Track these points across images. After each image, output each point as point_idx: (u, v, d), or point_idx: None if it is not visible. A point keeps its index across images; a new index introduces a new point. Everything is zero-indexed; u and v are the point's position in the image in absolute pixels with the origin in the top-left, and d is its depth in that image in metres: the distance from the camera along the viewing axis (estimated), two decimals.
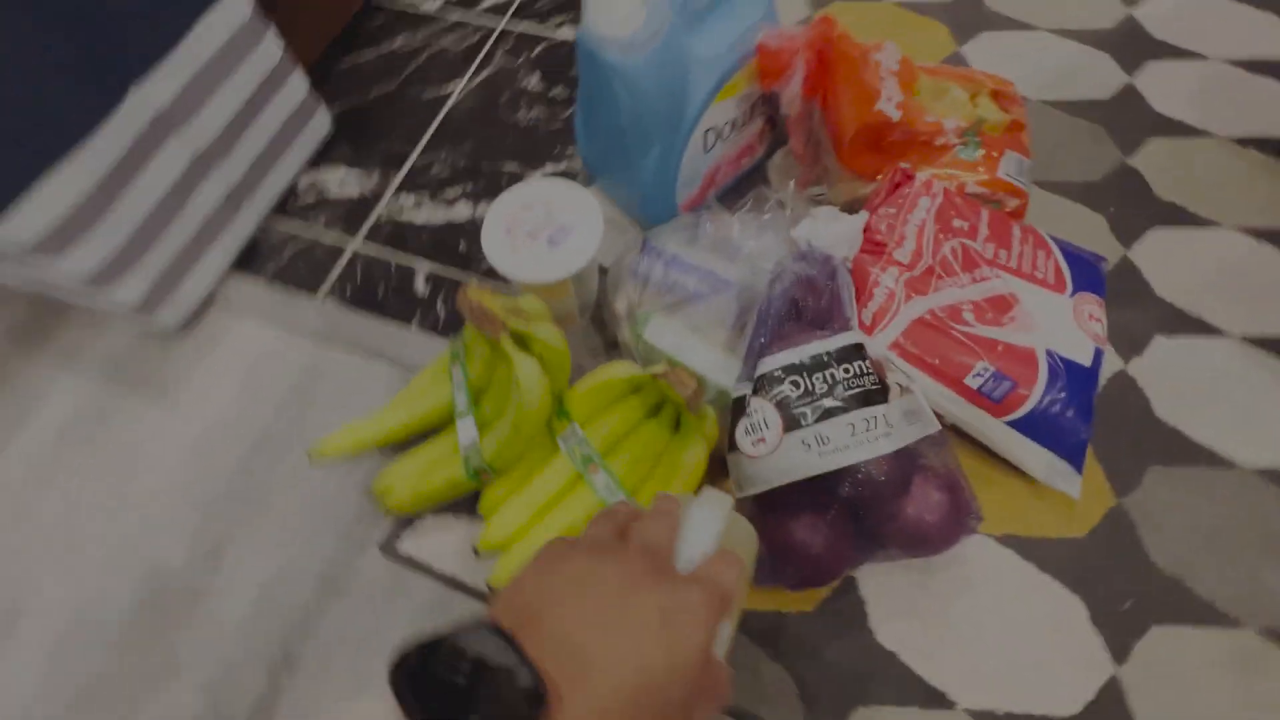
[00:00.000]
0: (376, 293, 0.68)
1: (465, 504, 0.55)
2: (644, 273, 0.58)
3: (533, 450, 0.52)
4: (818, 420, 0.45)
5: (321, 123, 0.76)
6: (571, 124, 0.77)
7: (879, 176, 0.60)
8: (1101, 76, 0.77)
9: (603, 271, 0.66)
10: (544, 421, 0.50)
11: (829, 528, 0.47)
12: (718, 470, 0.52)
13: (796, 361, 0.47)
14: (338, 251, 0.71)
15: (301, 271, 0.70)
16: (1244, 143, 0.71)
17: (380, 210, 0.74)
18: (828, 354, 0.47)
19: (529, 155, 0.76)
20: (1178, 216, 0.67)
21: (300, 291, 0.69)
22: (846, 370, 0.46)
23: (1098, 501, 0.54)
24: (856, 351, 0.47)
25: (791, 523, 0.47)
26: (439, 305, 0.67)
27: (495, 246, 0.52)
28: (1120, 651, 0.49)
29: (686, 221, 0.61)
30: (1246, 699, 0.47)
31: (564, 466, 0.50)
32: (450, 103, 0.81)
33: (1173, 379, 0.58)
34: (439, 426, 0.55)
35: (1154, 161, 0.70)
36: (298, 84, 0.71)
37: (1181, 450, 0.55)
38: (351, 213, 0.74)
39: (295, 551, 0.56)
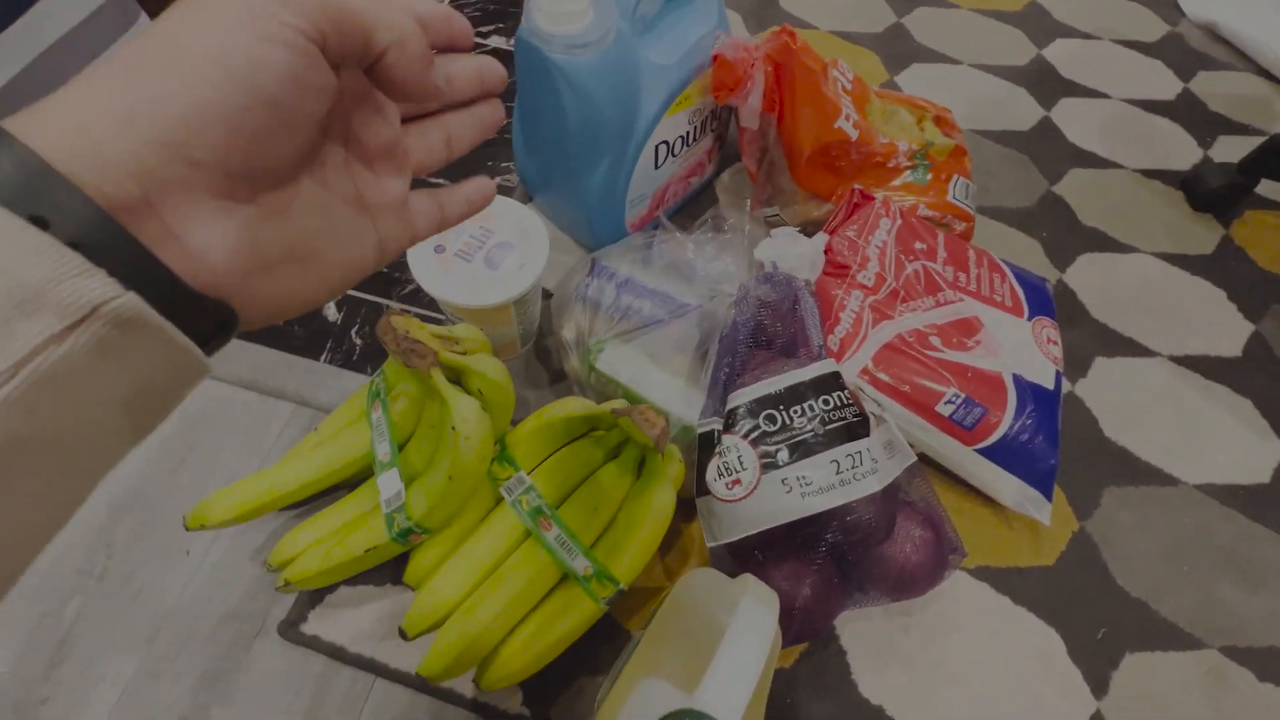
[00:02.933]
0: (278, 323, 0.58)
1: (388, 571, 0.46)
2: (594, 297, 0.52)
3: (470, 504, 0.44)
4: (798, 458, 0.41)
5: None
6: (506, 137, 0.70)
7: (834, 197, 0.58)
8: (1022, 109, 0.81)
9: (546, 296, 0.60)
10: (484, 470, 0.42)
11: (816, 576, 0.42)
12: (682, 515, 0.47)
13: (771, 393, 0.43)
14: None
15: None
16: (1148, 174, 0.76)
17: None
18: (804, 384, 0.43)
19: (459, 171, 0.68)
20: (1102, 242, 0.70)
21: None
22: (825, 402, 0.42)
23: (1062, 526, 0.53)
24: (834, 381, 0.44)
25: (774, 573, 0.42)
26: (353, 335, 0.58)
27: (424, 265, 0.45)
28: (1099, 685, 0.47)
29: (638, 242, 0.56)
30: (1217, 715, 0.46)
31: (509, 522, 0.43)
32: None
33: (1115, 398, 0.59)
34: (355, 481, 0.46)
35: (1076, 190, 0.73)
36: None
37: (1132, 469, 0.56)
38: None
39: (166, 644, 0.45)
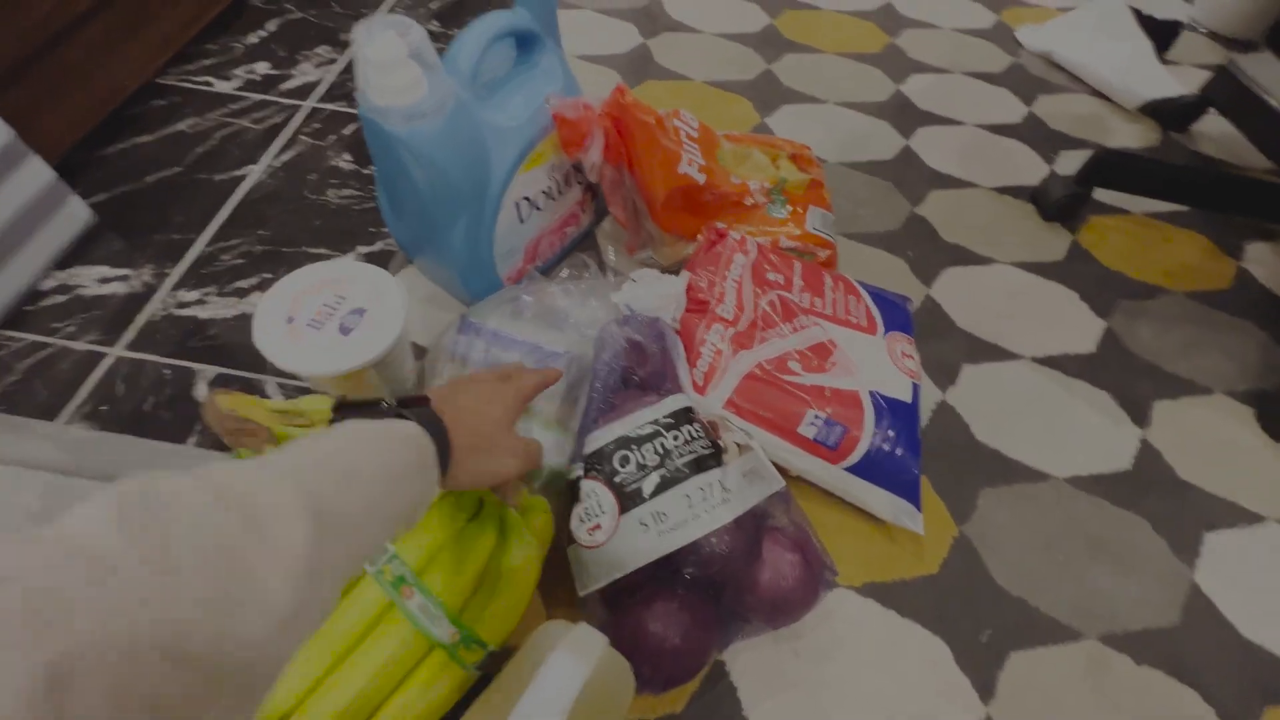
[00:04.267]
0: (143, 407, 0.57)
1: None
2: (463, 353, 0.53)
3: None
4: (653, 495, 0.41)
5: (75, 215, 0.65)
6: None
7: (698, 236, 0.60)
8: (884, 140, 0.86)
9: (422, 354, 0.60)
10: None
11: (684, 613, 0.42)
12: (560, 569, 0.46)
13: (625, 434, 0.44)
14: (92, 361, 0.59)
15: (40, 393, 0.57)
16: (1002, 191, 0.82)
17: (153, 309, 0.63)
18: (656, 421, 0.44)
19: (339, 238, 0.69)
20: (963, 256, 0.74)
21: (35, 417, 0.55)
22: (676, 437, 0.43)
23: (943, 533, 0.54)
24: (686, 415, 0.45)
25: (644, 615, 0.42)
26: (216, 432, 0.57)
27: (270, 338, 0.45)
28: (986, 689, 0.48)
29: (508, 295, 0.57)
30: (1101, 703, 0.47)
31: (369, 593, 0.42)
32: (247, 185, 0.73)
33: (984, 403, 0.62)
34: None
35: (937, 210, 0.79)
36: (36, 171, 0.60)
37: (1004, 469, 0.58)
38: (116, 315, 0.62)
39: None
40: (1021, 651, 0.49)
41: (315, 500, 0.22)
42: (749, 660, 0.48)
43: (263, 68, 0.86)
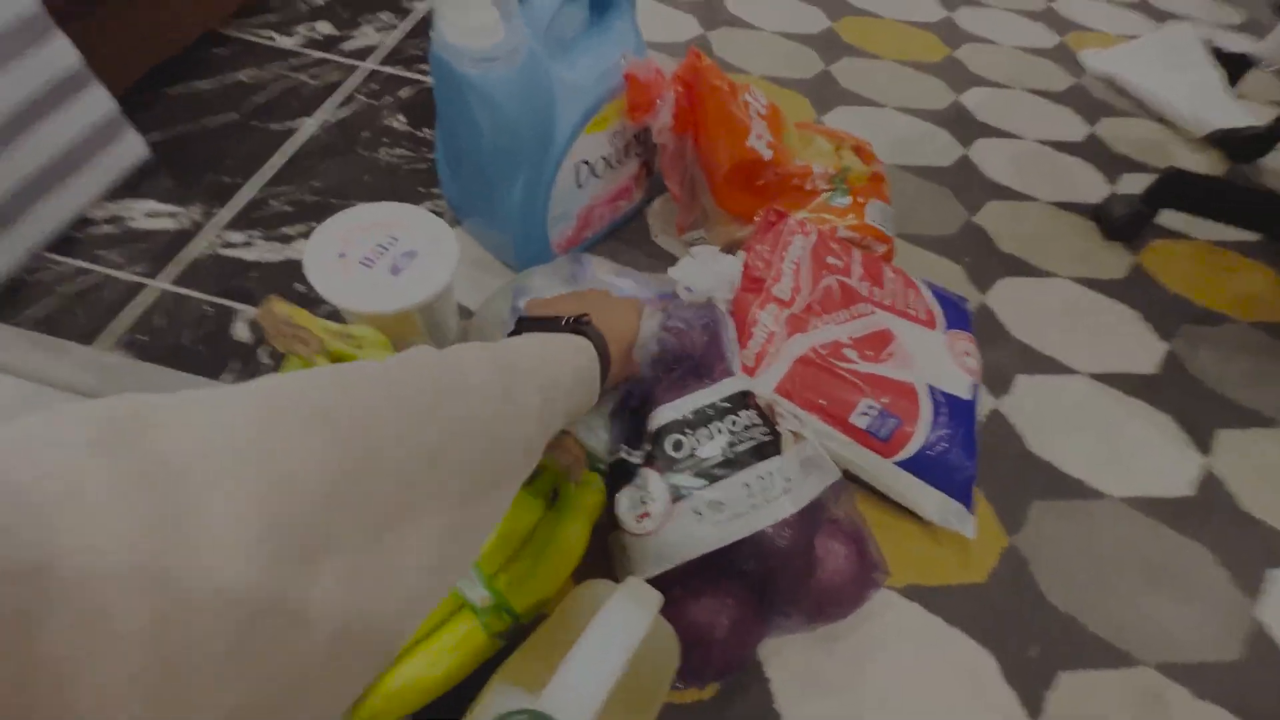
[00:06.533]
0: (181, 340, 0.56)
1: None
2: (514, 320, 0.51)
3: None
4: (709, 484, 0.39)
5: (131, 148, 0.65)
6: (434, 160, 0.71)
7: (755, 218, 0.59)
8: (942, 147, 0.85)
9: (467, 315, 0.58)
10: None
11: (735, 605, 0.40)
12: (598, 551, 0.44)
13: (679, 417, 0.42)
14: (134, 291, 0.58)
15: (80, 318, 0.56)
16: (1062, 206, 0.80)
17: (199, 247, 0.62)
18: (712, 406, 0.42)
19: (388, 195, 0.68)
20: (1020, 267, 0.72)
21: (74, 340, 0.55)
22: (734, 422, 0.41)
23: (992, 542, 0.52)
24: (742, 400, 0.42)
25: (691, 607, 0.40)
26: (262, 354, 0.56)
27: (320, 269, 0.44)
28: (1034, 707, 0.45)
29: (564, 263, 0.56)
30: None
31: None
32: (301, 137, 0.73)
33: (1038, 414, 0.60)
34: None
35: (994, 219, 0.77)
36: (97, 100, 0.60)
37: (1057, 483, 0.56)
38: (162, 250, 0.61)
39: None
40: (1072, 672, 0.46)
41: (542, 388, 0.29)
42: (783, 657, 0.45)
43: (325, 27, 0.87)
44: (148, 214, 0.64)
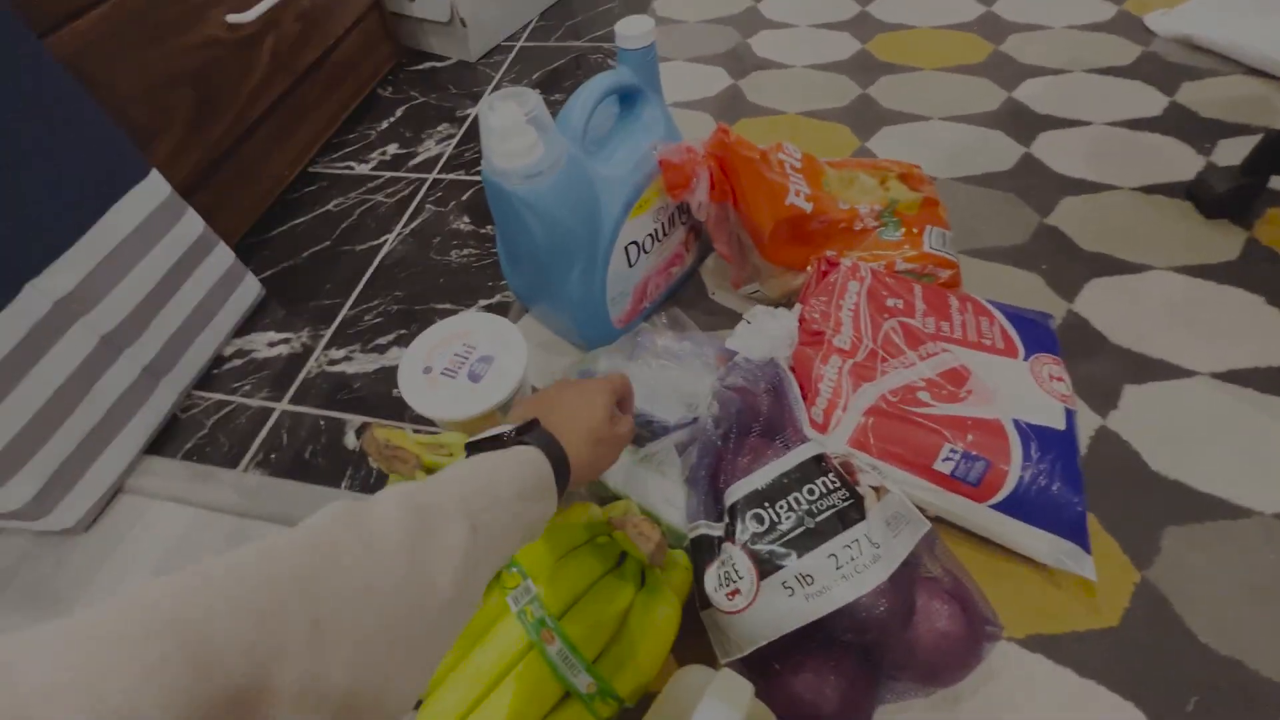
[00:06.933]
0: (304, 455, 0.63)
1: None
2: None
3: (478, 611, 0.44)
4: (794, 557, 0.39)
5: (249, 289, 0.75)
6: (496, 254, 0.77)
7: (808, 267, 0.59)
8: (999, 150, 0.81)
9: None
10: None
11: (838, 678, 0.39)
12: (692, 628, 0.45)
13: (756, 489, 0.42)
14: (265, 415, 0.67)
15: (223, 444, 0.65)
16: (1148, 190, 0.73)
17: (309, 367, 0.71)
18: (786, 475, 0.42)
19: (462, 293, 0.75)
20: (1110, 265, 0.67)
21: (221, 466, 0.63)
22: (811, 491, 0.41)
23: (1121, 578, 0.47)
24: (816, 466, 0.42)
25: (793, 681, 0.39)
26: (371, 461, 0.62)
27: (413, 387, 0.49)
28: None
29: (626, 341, 0.59)
30: None
31: (513, 632, 0.43)
32: (382, 253, 0.82)
33: (1156, 428, 0.54)
34: None
35: (1071, 217, 0.72)
36: (221, 256, 0.71)
37: (1191, 504, 0.50)
38: (280, 374, 0.70)
39: None
40: None
41: (472, 514, 0.28)
42: None
43: (393, 148, 0.97)
44: (268, 343, 0.74)
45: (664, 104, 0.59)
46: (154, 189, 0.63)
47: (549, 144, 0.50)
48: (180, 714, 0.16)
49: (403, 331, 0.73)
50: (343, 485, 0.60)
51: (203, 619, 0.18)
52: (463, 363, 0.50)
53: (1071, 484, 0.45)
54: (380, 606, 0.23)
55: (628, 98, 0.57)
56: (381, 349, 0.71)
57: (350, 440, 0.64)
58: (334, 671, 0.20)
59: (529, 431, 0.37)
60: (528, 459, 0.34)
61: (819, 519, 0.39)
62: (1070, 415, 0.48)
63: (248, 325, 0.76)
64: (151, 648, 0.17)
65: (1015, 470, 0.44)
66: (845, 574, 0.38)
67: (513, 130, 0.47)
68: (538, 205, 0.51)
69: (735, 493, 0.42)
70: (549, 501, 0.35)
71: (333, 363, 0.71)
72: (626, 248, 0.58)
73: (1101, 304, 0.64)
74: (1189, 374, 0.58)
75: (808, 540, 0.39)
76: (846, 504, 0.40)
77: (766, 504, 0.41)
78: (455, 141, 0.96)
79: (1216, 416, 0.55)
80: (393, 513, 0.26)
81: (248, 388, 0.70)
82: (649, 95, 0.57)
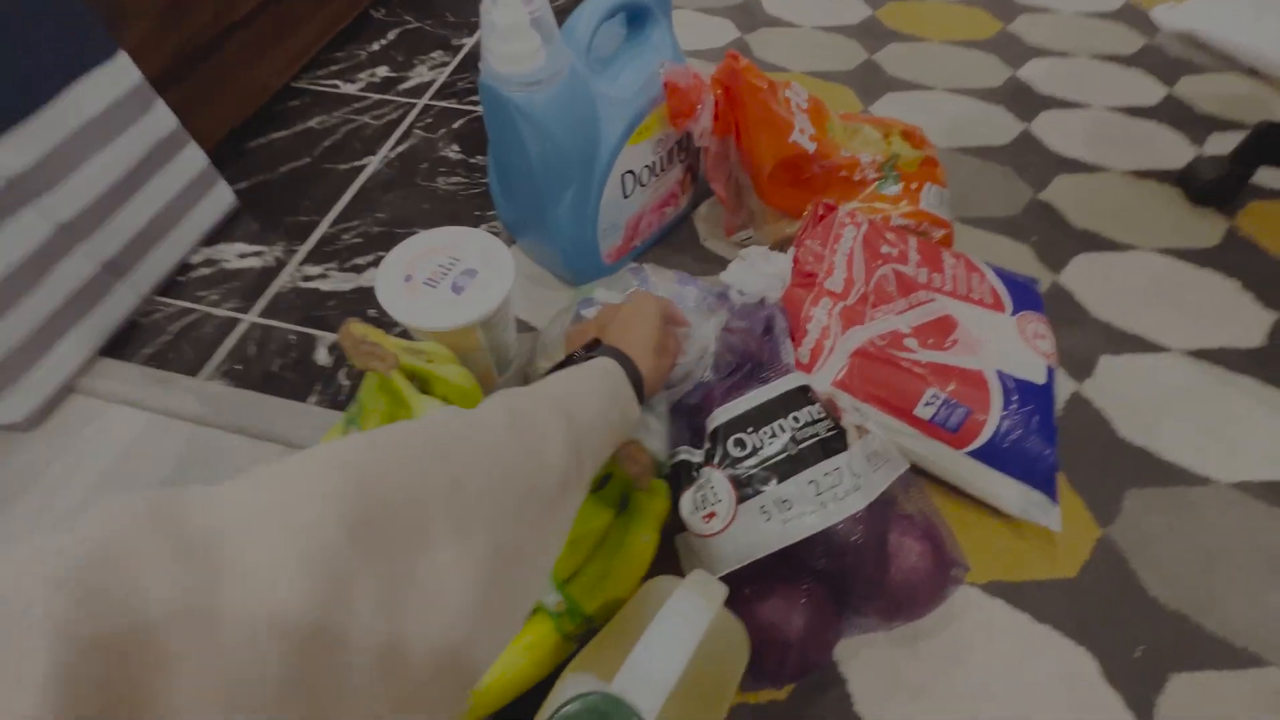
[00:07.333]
0: (271, 368, 0.61)
1: None
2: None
3: None
4: (774, 482, 0.39)
5: (222, 197, 0.72)
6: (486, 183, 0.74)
7: (803, 213, 0.58)
8: (999, 125, 0.81)
9: (526, 329, 0.60)
10: None
11: (808, 606, 0.39)
12: (669, 553, 0.44)
13: (738, 415, 0.42)
14: (230, 325, 0.64)
15: (186, 352, 0.62)
16: (1140, 174, 0.74)
17: (282, 282, 0.68)
18: (771, 402, 0.42)
19: (447, 220, 0.72)
20: (1097, 242, 0.68)
21: (182, 373, 0.61)
22: (796, 419, 0.41)
23: (1083, 534, 0.49)
24: (802, 395, 0.42)
25: (761, 607, 0.39)
26: (341, 376, 0.60)
27: (390, 292, 0.47)
28: (1143, 712, 0.41)
29: (625, 276, 0.57)
30: None
31: None
32: (366, 174, 0.78)
33: (1128, 397, 0.56)
34: None
35: (1064, 194, 0.72)
36: (193, 156, 0.67)
37: (1155, 470, 0.52)
38: (251, 286, 0.67)
39: None
40: (1186, 674, 0.43)
41: (566, 411, 0.30)
42: (862, 658, 0.44)
43: (383, 71, 0.93)
44: (238, 254, 0.70)
45: (672, 29, 0.57)
46: (121, 72, 0.58)
47: (552, 53, 0.47)
48: (357, 534, 0.18)
49: (382, 253, 0.69)
50: (310, 400, 0.58)
51: (369, 462, 0.20)
52: (445, 274, 0.48)
53: (1046, 437, 0.45)
54: (505, 473, 0.24)
55: (636, 17, 0.55)
56: (359, 269, 0.68)
57: (322, 356, 0.61)
58: (476, 528, 0.21)
59: (596, 348, 0.39)
60: (603, 368, 0.36)
61: (802, 445, 0.39)
62: (1051, 372, 0.49)
63: (218, 235, 0.72)
64: (330, 479, 0.19)
65: (994, 419, 0.45)
66: (824, 500, 0.38)
67: (515, 30, 0.45)
68: (535, 115, 0.49)
69: (718, 418, 0.42)
70: (632, 406, 0.37)
71: (308, 279, 0.68)
72: (623, 176, 0.56)
73: (1086, 278, 0.64)
74: (1163, 349, 0.59)
75: (789, 466, 0.39)
76: (830, 434, 0.40)
77: (750, 429, 0.40)
78: (449, 70, 0.93)
79: (1185, 391, 0.56)
80: (494, 404, 0.27)
81: (215, 297, 0.66)
82: (658, 16, 0.55)
